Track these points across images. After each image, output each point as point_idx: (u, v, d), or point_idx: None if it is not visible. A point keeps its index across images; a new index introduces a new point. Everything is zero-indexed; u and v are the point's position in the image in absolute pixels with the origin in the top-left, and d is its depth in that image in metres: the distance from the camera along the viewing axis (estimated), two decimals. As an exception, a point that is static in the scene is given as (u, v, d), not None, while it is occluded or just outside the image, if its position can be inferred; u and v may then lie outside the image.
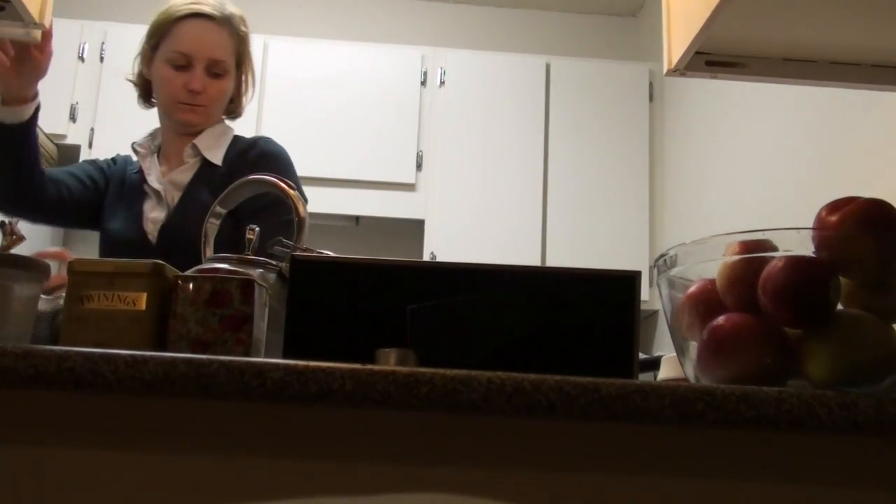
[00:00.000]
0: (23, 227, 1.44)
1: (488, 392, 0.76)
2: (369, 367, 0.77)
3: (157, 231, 1.71)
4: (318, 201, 3.32)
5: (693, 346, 0.92)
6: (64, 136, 3.50)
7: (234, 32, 1.76)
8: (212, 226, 1.31)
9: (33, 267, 0.91)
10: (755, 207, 2.93)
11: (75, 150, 3.50)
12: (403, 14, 4.11)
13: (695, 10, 1.39)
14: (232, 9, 1.78)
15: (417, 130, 3.69)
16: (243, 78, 1.83)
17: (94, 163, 1.87)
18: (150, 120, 3.76)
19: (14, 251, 1.69)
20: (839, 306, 0.86)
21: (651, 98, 3.84)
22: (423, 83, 3.74)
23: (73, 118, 3.51)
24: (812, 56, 1.52)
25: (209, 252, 1.29)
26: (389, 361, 0.86)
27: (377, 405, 0.76)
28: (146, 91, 1.83)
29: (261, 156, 1.79)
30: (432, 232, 3.64)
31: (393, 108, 3.69)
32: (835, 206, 0.91)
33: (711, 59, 1.50)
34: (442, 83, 3.74)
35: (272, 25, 3.92)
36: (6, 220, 1.42)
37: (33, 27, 1.48)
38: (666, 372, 1.25)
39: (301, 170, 3.85)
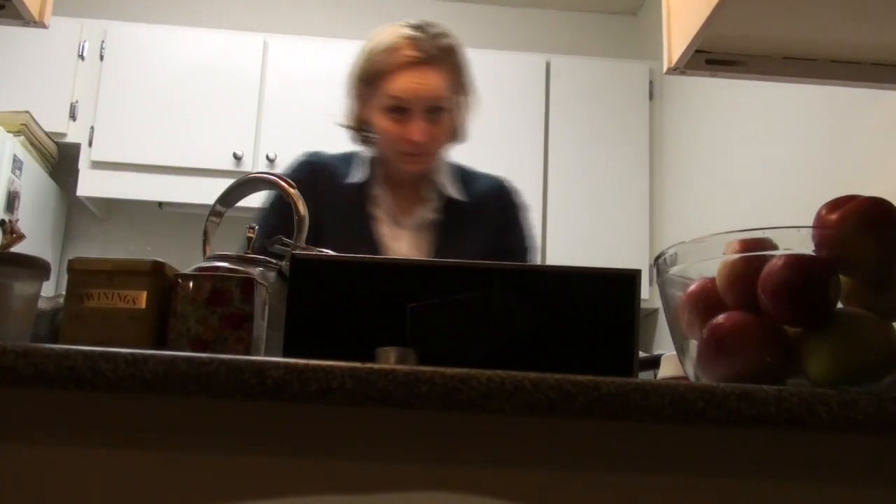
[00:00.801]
0: (23, 225, 1.44)
1: (488, 390, 0.76)
2: (369, 365, 0.77)
3: None
4: (318, 200, 3.32)
5: (693, 345, 0.92)
6: (64, 135, 3.50)
7: (449, 67, 1.66)
8: (212, 224, 1.31)
9: (34, 265, 0.91)
10: (755, 206, 2.93)
11: (75, 148, 3.49)
12: (403, 12, 4.09)
13: (695, 8, 1.39)
14: (444, 40, 1.66)
15: (417, 129, 3.68)
16: (465, 102, 1.73)
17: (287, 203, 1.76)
18: (150, 119, 3.75)
19: (14, 249, 1.69)
20: (839, 305, 0.86)
21: (651, 96, 3.83)
22: (423, 81, 3.74)
23: (73, 116, 3.51)
24: (812, 54, 1.52)
25: (209, 251, 1.29)
26: (389, 360, 0.86)
27: (377, 404, 0.76)
28: (362, 131, 1.74)
29: (522, 209, 1.79)
30: (432, 230, 3.64)
31: (393, 106, 3.68)
32: (835, 205, 0.91)
33: (711, 57, 1.50)
34: (442, 81, 3.74)
35: (272, 24, 3.92)
36: (6, 218, 1.42)
37: (33, 25, 1.48)
38: (666, 370, 1.25)
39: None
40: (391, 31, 1.68)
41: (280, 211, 1.66)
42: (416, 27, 1.66)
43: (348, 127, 1.76)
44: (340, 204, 1.70)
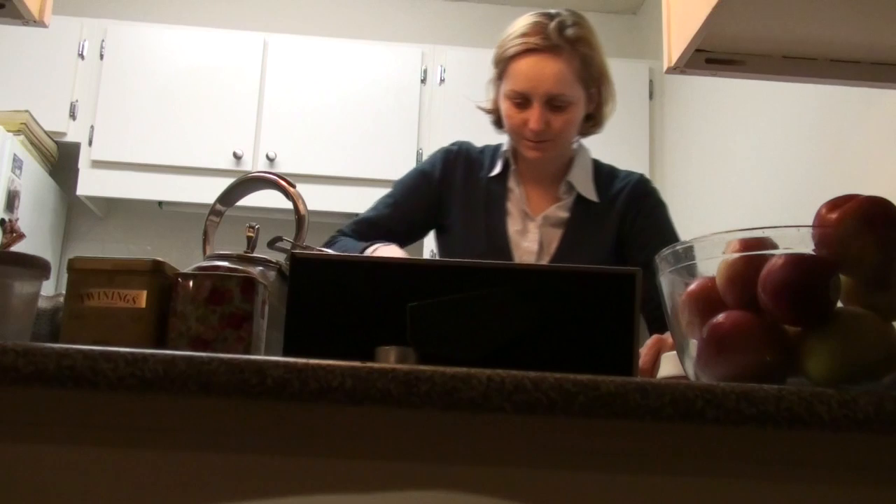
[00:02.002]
0: (23, 224, 1.44)
1: (488, 390, 0.76)
2: (369, 364, 0.77)
3: None
4: (318, 199, 3.31)
5: (693, 344, 0.92)
6: (64, 134, 3.50)
7: (572, 57, 1.64)
8: (212, 223, 1.31)
9: (33, 264, 0.91)
10: (755, 205, 2.93)
11: (75, 147, 3.50)
12: (404, 12, 4.11)
13: (695, 7, 1.39)
14: (570, 29, 1.65)
15: (417, 128, 3.68)
16: (597, 93, 1.72)
17: (419, 186, 1.80)
18: (150, 119, 3.74)
19: (14, 249, 1.69)
20: (839, 304, 0.86)
21: (651, 96, 3.83)
22: (424, 81, 3.74)
23: (72, 115, 3.51)
24: (812, 54, 1.52)
25: (209, 249, 1.29)
26: (389, 359, 0.86)
27: (377, 403, 0.76)
28: (499, 118, 1.77)
29: (657, 205, 1.76)
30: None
31: (393, 105, 3.68)
32: (835, 204, 0.91)
33: (711, 56, 1.50)
34: (442, 81, 3.74)
35: (272, 23, 3.92)
36: (6, 217, 1.42)
37: (33, 25, 1.48)
38: (666, 369, 1.25)
39: (301, 168, 3.84)
40: (526, 17, 1.70)
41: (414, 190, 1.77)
42: (547, 15, 1.68)
43: (487, 111, 1.80)
44: (473, 196, 1.74)
